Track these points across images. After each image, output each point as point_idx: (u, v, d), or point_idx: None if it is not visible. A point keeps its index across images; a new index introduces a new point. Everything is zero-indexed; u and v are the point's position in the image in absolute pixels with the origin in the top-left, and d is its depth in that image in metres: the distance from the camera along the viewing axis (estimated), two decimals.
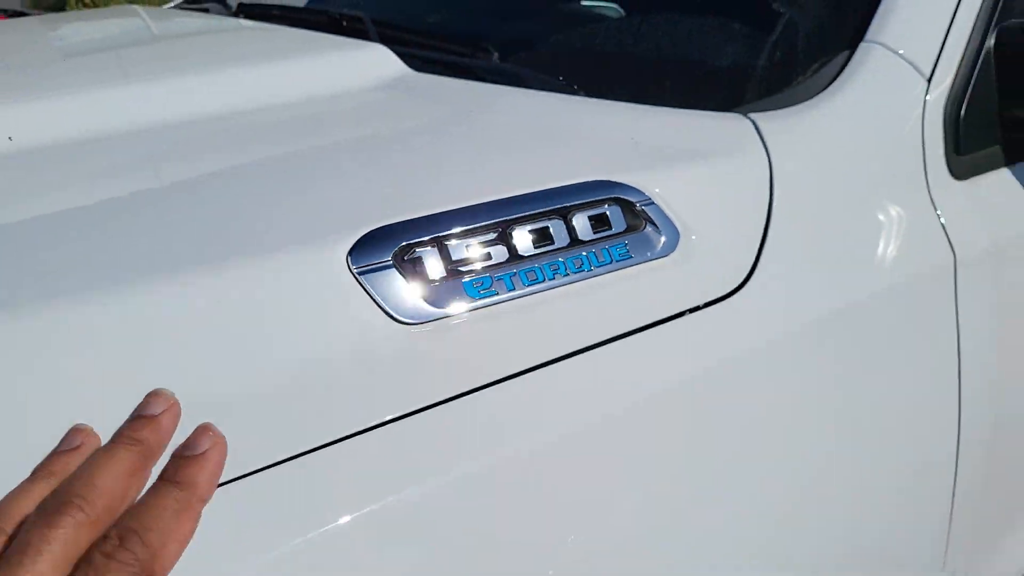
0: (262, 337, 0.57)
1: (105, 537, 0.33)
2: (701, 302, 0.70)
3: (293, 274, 0.59)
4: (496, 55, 1.01)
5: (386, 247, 0.62)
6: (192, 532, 0.35)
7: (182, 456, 0.37)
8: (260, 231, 0.62)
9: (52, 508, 0.33)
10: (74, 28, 1.31)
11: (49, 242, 0.61)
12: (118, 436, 0.38)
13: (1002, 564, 1.07)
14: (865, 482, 0.80)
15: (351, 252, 0.61)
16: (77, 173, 0.72)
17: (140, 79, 0.89)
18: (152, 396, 0.40)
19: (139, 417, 0.39)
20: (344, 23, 1.14)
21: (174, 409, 0.40)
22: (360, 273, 0.60)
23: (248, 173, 0.71)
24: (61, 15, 1.58)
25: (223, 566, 0.49)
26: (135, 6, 1.48)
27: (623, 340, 0.66)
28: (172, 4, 1.83)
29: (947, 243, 0.86)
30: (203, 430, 0.39)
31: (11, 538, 0.33)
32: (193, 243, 0.60)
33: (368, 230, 0.62)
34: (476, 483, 0.58)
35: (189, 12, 1.50)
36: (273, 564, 0.51)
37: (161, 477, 0.37)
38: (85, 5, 8.72)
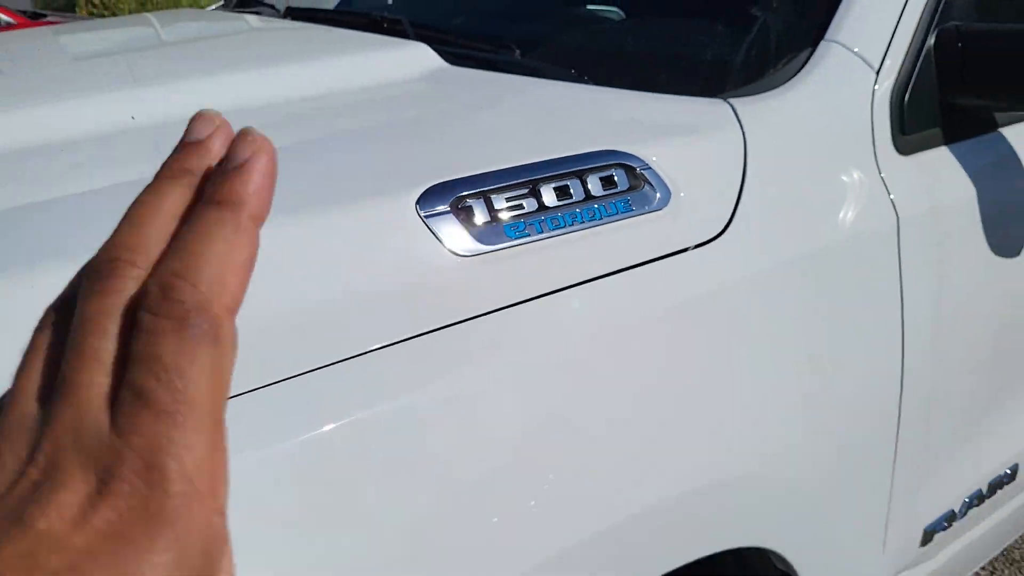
0: (352, 262, 0.75)
1: (145, 292, 0.26)
2: (688, 245, 0.88)
3: (376, 216, 0.77)
4: (518, 52, 1.20)
5: (444, 198, 0.80)
6: (252, 259, 0.28)
7: (221, 171, 0.30)
8: (350, 185, 0.81)
9: (101, 270, 0.27)
10: (156, 29, 1.50)
11: None
12: (162, 170, 0.30)
13: (948, 483, 1.26)
14: (820, 397, 0.98)
15: (418, 201, 0.79)
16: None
17: (226, 71, 1.08)
18: (196, 119, 0.32)
19: (184, 145, 0.31)
20: (385, 24, 1.33)
21: (224, 130, 0.32)
22: (425, 217, 0.79)
23: (332, 145, 0.90)
24: (133, 17, 1.76)
25: (306, 426, 0.67)
26: (209, 9, 1.67)
27: (625, 272, 0.84)
28: (215, 6, 2.02)
29: (892, 207, 1.04)
30: (241, 136, 0.31)
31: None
32: (303, 193, 0.79)
33: (430, 184, 0.80)
34: (511, 375, 0.77)
35: (247, 14, 1.68)
36: (363, 425, 0.69)
37: (199, 201, 0.29)
38: (95, 7, 8.92)
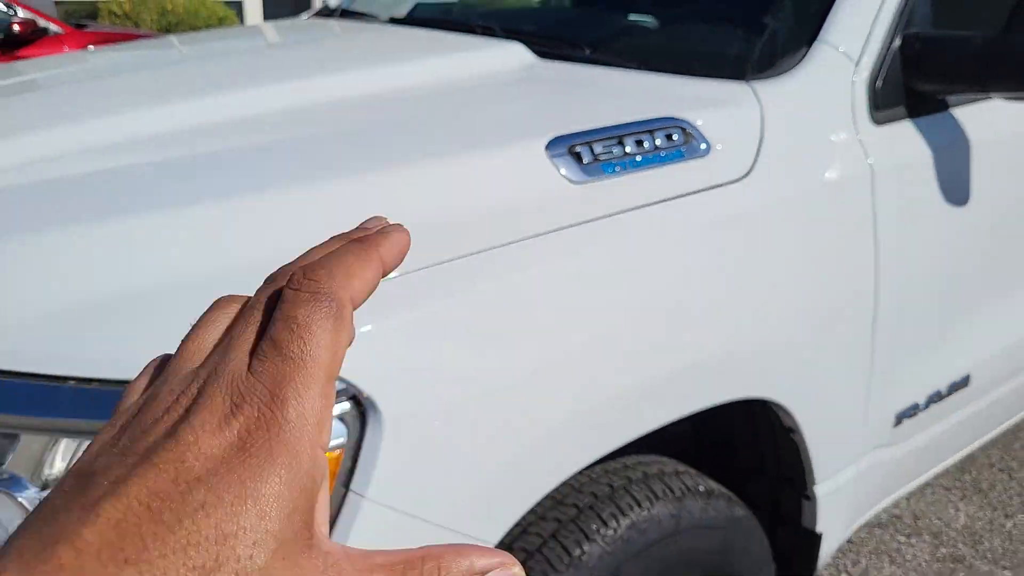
0: (506, 183, 1.13)
1: (292, 275, 0.32)
2: (723, 182, 1.27)
3: (521, 155, 1.16)
4: (588, 50, 1.59)
5: (563, 145, 1.19)
6: (375, 281, 0.34)
7: (363, 227, 0.38)
8: (500, 136, 1.19)
9: (274, 276, 0.35)
10: (283, 36, 1.88)
11: (370, 146, 1.19)
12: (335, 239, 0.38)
13: (914, 381, 1.64)
14: (815, 294, 1.36)
15: (546, 146, 1.18)
16: (360, 118, 1.30)
17: (380, 64, 1.46)
18: (370, 219, 0.40)
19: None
20: (479, 29, 1.72)
21: (381, 222, 0.39)
22: (551, 157, 1.17)
23: (481, 109, 1.28)
24: (257, 27, 2.14)
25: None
26: (306, 19, 2.05)
27: (680, 198, 1.23)
28: (309, 14, 2.40)
29: (867, 161, 1.43)
30: (382, 219, 0.39)
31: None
32: (471, 139, 1.17)
33: (553, 136, 1.19)
34: (605, 257, 1.15)
35: (365, 23, 2.07)
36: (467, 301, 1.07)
37: (341, 239, 0.37)
38: (117, 17, 9.30)
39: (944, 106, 1.60)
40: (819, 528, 1.57)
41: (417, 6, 2.36)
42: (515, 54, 1.52)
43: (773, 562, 1.53)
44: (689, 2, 1.86)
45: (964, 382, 1.77)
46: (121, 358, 0.91)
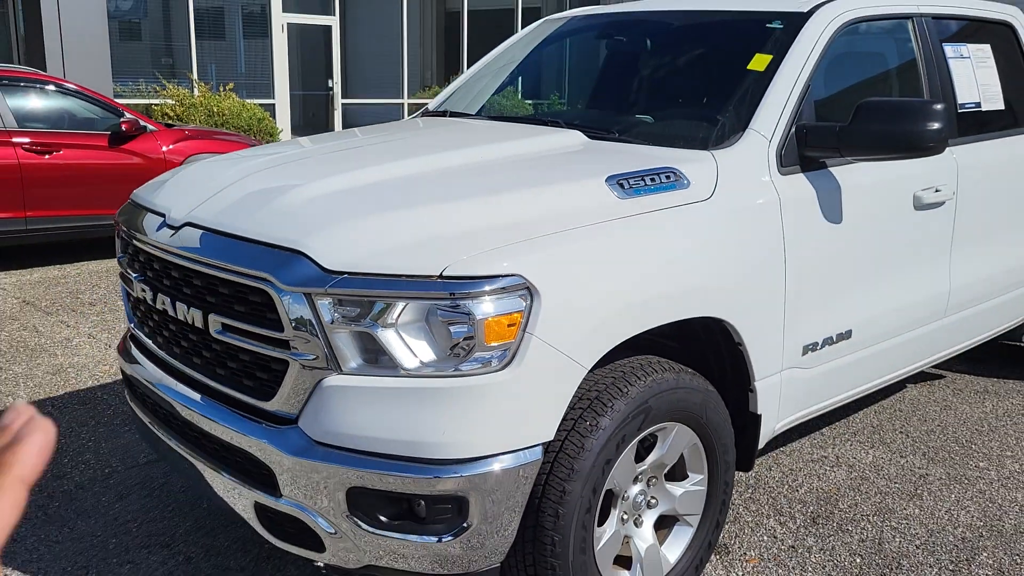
0: (583, 198, 2.26)
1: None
2: (696, 200, 2.40)
3: (592, 184, 2.29)
4: (618, 134, 2.74)
5: (614, 180, 2.32)
6: (14, 518, 0.47)
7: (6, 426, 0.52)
8: (575, 176, 2.33)
9: None
10: (426, 128, 3.03)
11: (515, 180, 2.33)
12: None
13: (813, 326, 2.74)
14: (749, 271, 2.48)
15: (605, 180, 2.31)
16: (506, 170, 2.44)
17: (491, 143, 2.62)
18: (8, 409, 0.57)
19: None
20: (547, 121, 2.87)
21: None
22: (608, 185, 2.30)
23: (558, 167, 2.42)
24: (406, 124, 3.27)
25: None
26: (414, 118, 3.22)
27: (673, 208, 2.35)
28: (417, 115, 3.55)
29: (777, 194, 2.57)
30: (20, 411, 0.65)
31: None
32: (558, 178, 2.30)
33: (608, 175, 2.32)
34: (633, 235, 2.26)
35: (460, 118, 3.23)
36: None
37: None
38: (169, 118, 10.52)
39: (823, 165, 2.76)
40: (759, 411, 2.64)
41: (484, 107, 3.55)
42: (576, 136, 2.68)
43: (732, 428, 2.59)
44: (676, 108, 3.05)
45: (847, 334, 2.89)
46: (425, 266, 2.00)
